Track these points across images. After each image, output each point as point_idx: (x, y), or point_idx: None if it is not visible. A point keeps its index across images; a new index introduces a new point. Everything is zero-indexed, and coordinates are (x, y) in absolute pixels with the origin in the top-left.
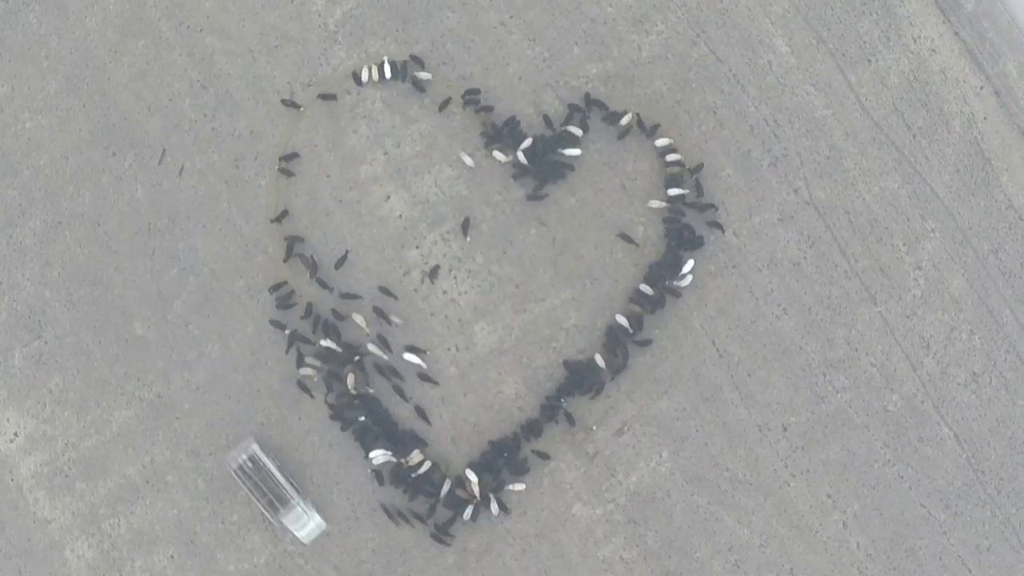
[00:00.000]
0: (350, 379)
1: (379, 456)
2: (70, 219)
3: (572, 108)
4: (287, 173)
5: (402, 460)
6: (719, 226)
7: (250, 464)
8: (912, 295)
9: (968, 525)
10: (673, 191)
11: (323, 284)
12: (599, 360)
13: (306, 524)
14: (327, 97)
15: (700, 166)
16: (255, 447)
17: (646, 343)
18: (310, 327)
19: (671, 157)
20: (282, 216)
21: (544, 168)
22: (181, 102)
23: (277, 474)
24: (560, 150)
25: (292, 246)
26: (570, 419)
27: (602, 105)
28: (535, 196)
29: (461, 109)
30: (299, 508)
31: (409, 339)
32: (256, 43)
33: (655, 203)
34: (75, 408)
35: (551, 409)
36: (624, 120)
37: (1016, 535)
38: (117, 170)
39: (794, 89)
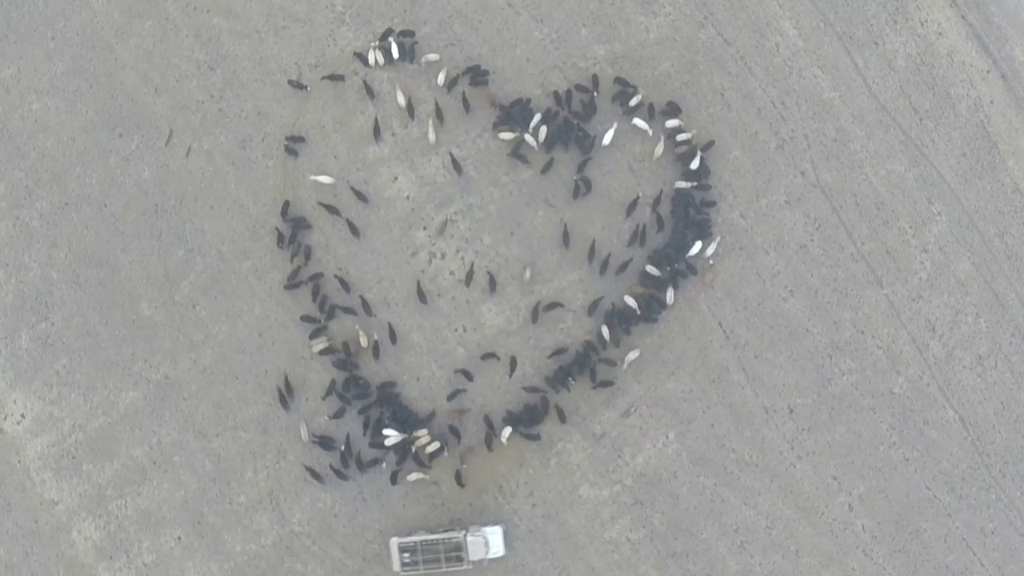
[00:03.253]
0: (363, 339)
1: (392, 437)
2: (77, 201)
3: (579, 89)
4: (294, 154)
5: (410, 438)
6: (712, 203)
7: (408, 555)
8: (918, 278)
9: (973, 508)
10: (683, 174)
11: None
12: (604, 332)
13: (486, 544)
14: (334, 78)
15: (711, 143)
16: (395, 542)
17: (652, 320)
18: (317, 307)
19: (681, 137)
20: (285, 208)
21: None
22: (188, 83)
23: (433, 537)
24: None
25: (296, 233)
26: (592, 375)
27: (625, 82)
28: (547, 167)
29: (472, 89)
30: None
31: (417, 321)
32: (263, 24)
33: (681, 183)
34: (82, 389)
35: (559, 384)
36: (633, 101)
37: (1020, 518)
38: (124, 151)
39: (801, 71)
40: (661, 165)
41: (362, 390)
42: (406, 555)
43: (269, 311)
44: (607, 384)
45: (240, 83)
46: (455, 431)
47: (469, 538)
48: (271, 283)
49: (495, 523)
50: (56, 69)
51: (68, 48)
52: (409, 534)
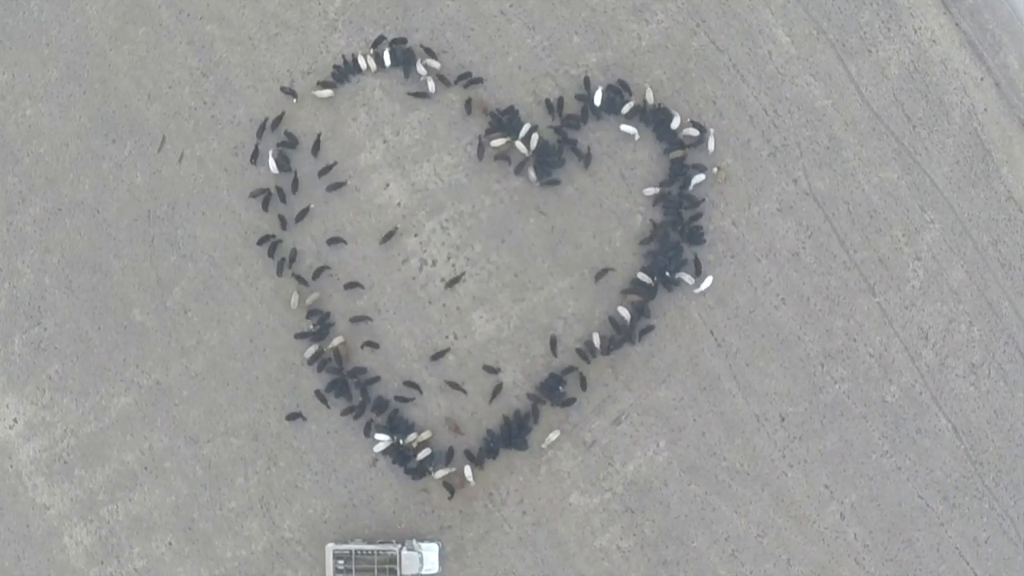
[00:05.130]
0: (337, 340)
1: (382, 442)
2: (70, 206)
3: (577, 98)
4: (286, 160)
5: (401, 441)
6: (703, 168)
7: (342, 563)
8: (911, 286)
9: (966, 517)
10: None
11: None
12: (595, 339)
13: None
14: (327, 85)
15: (704, 129)
16: (331, 548)
17: (647, 329)
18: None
19: (689, 134)
20: (260, 194)
21: (551, 159)
22: (181, 89)
23: (368, 547)
24: (622, 127)
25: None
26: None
27: (626, 86)
28: (549, 181)
29: (462, 96)
30: (409, 551)
31: (407, 328)
32: (256, 31)
33: (672, 191)
34: (74, 394)
35: (549, 390)
36: (625, 108)
37: (1014, 527)
38: (117, 157)
39: (794, 79)
40: (653, 172)
41: (352, 391)
42: (340, 562)
43: (261, 317)
44: (569, 402)
45: (233, 90)
46: (450, 430)
47: (404, 552)
48: (263, 289)
49: (432, 539)
50: (50, 75)
51: (62, 54)
52: (346, 542)
